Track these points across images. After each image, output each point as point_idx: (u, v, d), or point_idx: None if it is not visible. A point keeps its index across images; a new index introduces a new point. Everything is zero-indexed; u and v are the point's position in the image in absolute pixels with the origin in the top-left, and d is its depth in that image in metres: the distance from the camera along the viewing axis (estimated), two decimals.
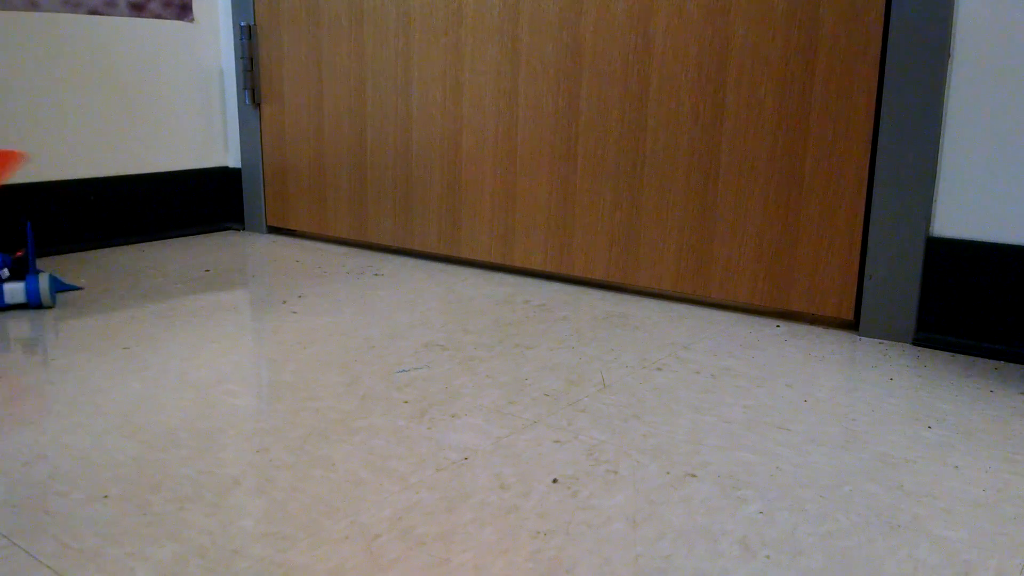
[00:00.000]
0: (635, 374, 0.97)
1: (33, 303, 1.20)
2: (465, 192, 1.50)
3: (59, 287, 1.28)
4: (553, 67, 1.36)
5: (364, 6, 1.57)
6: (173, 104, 1.75)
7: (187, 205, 1.81)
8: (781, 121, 1.17)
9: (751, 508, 0.66)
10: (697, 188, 1.25)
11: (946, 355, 1.06)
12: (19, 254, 1.22)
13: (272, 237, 1.79)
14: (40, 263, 1.52)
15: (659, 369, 0.99)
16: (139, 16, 1.66)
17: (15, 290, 1.19)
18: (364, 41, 1.58)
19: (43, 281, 1.20)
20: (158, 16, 1.69)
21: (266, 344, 1.06)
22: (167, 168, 1.76)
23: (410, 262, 1.56)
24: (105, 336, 1.08)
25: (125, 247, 1.67)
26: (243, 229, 1.87)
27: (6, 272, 1.20)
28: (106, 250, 1.64)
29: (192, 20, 1.76)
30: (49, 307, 1.21)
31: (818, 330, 1.16)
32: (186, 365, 0.98)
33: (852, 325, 1.18)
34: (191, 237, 1.78)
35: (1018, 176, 1.02)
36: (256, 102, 1.78)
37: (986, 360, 1.05)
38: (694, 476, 0.72)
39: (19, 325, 1.13)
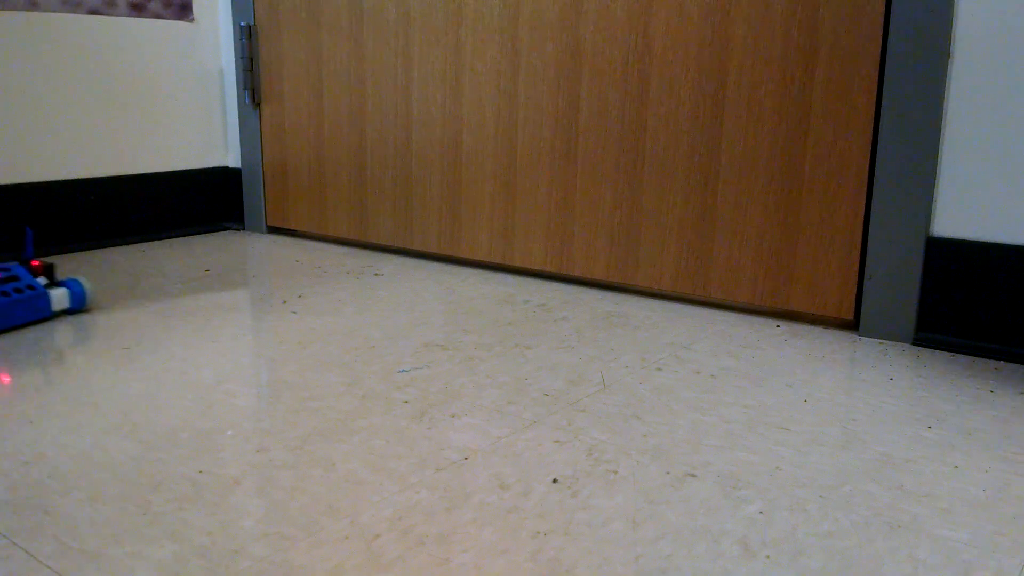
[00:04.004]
0: (635, 374, 0.97)
1: (77, 308, 1.17)
2: (465, 192, 1.50)
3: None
4: (553, 67, 1.36)
5: (364, 6, 1.57)
6: (173, 104, 1.75)
7: (187, 205, 1.81)
8: (781, 121, 1.17)
9: (751, 508, 0.66)
10: (697, 188, 1.25)
11: (946, 355, 1.06)
12: (35, 263, 1.16)
13: (272, 237, 1.79)
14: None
15: (659, 369, 0.99)
16: (139, 16, 1.66)
17: (59, 296, 1.15)
18: (364, 41, 1.58)
19: (86, 285, 1.17)
20: (158, 16, 1.69)
21: (266, 344, 1.06)
22: (167, 168, 1.76)
23: (410, 262, 1.56)
24: (105, 336, 1.08)
25: (125, 247, 1.67)
26: (243, 229, 1.87)
27: (44, 279, 1.16)
28: (106, 250, 1.64)
29: (192, 20, 1.76)
30: (89, 311, 1.18)
31: (818, 330, 1.16)
32: (186, 365, 0.98)
33: (852, 325, 1.18)
34: (191, 237, 1.78)
35: (1018, 176, 1.02)
36: (256, 102, 1.78)
37: (986, 360, 1.05)
38: (694, 476, 0.72)
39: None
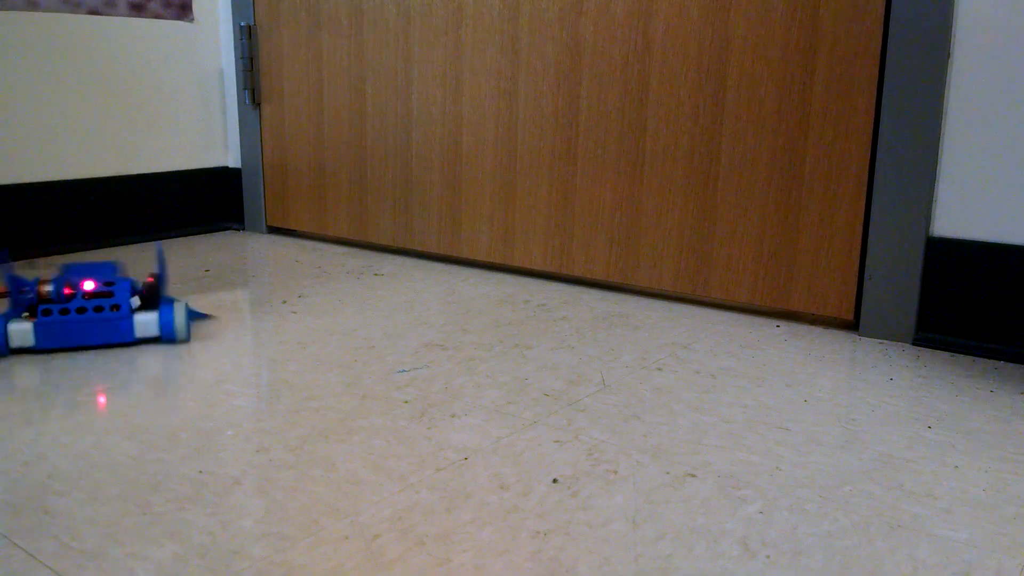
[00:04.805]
0: (635, 374, 0.97)
1: (166, 337, 1.05)
2: (465, 192, 1.50)
3: (193, 316, 1.15)
4: (553, 67, 1.36)
5: (364, 6, 1.57)
6: (173, 104, 1.75)
7: (187, 205, 1.81)
8: (781, 121, 1.17)
9: (751, 508, 0.66)
10: (697, 188, 1.25)
11: (946, 355, 1.06)
12: (150, 279, 1.06)
13: (272, 237, 1.79)
14: (41, 262, 1.52)
15: (659, 369, 0.99)
16: (139, 16, 1.66)
17: (147, 322, 1.04)
18: (364, 41, 1.58)
19: (178, 312, 1.05)
20: (158, 16, 1.69)
21: (266, 344, 1.06)
22: (167, 168, 1.76)
23: (410, 262, 1.56)
24: None
25: (125, 247, 1.67)
26: (243, 229, 1.87)
27: (136, 301, 1.05)
28: (106, 250, 1.64)
29: (192, 20, 1.76)
30: (183, 342, 1.06)
31: (818, 330, 1.16)
32: (186, 365, 0.98)
33: (852, 325, 1.18)
34: (191, 237, 1.78)
35: (1018, 176, 1.02)
36: (256, 102, 1.78)
37: (986, 360, 1.05)
38: (694, 476, 0.72)
39: None
